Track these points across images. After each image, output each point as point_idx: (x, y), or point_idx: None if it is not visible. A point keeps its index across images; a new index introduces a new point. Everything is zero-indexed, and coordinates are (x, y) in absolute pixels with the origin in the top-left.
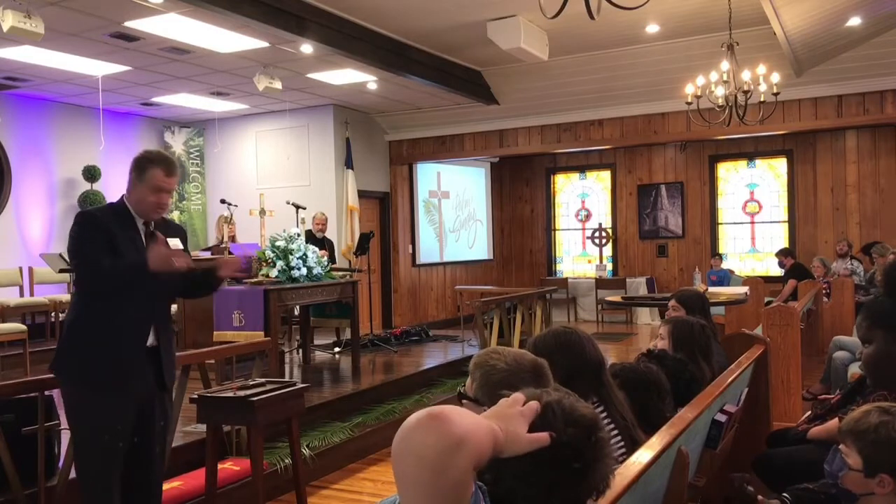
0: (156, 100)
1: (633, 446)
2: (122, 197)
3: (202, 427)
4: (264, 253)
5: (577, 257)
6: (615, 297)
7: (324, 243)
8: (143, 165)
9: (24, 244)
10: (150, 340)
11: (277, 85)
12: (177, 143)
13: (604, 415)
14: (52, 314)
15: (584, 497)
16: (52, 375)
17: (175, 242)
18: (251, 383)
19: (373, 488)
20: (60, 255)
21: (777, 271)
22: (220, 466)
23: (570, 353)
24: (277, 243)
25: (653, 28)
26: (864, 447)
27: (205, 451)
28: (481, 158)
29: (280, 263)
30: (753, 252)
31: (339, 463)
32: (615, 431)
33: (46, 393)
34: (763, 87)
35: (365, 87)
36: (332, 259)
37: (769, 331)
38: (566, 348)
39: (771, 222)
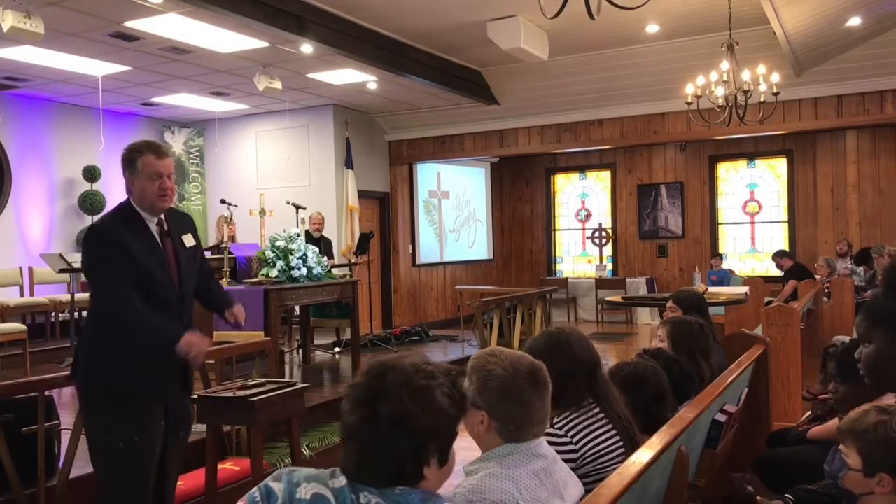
0: (156, 100)
1: (631, 445)
2: (128, 199)
3: (202, 427)
4: (264, 253)
5: (577, 257)
6: (615, 298)
7: (320, 243)
8: (132, 158)
9: (24, 244)
10: None
11: (277, 85)
12: (177, 143)
13: (601, 416)
14: (52, 314)
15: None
16: (52, 375)
17: (188, 239)
18: (251, 383)
19: None
20: (60, 255)
21: (777, 271)
22: (220, 466)
23: (561, 355)
24: (277, 243)
25: (653, 28)
26: (864, 447)
27: (205, 451)
28: (481, 158)
29: (280, 263)
30: (753, 252)
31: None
32: (613, 431)
33: (46, 393)
34: (763, 87)
35: (365, 87)
36: (329, 257)
37: (769, 331)
38: (557, 350)
39: (771, 222)
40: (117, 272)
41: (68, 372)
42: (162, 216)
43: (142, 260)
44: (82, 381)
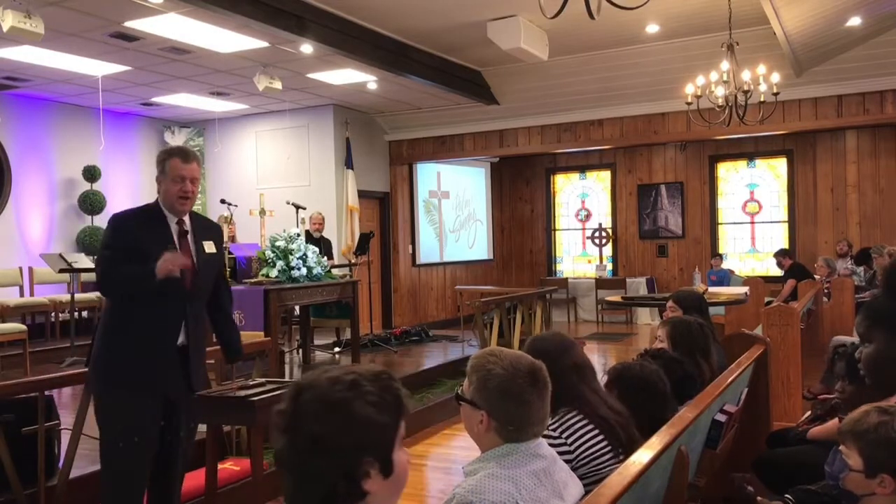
0: (156, 100)
1: (620, 445)
2: (157, 198)
3: (202, 427)
4: (264, 253)
5: (577, 257)
6: (615, 297)
7: (320, 243)
8: (162, 160)
9: (24, 244)
10: (181, 339)
11: (277, 85)
12: (177, 143)
13: (585, 421)
14: (52, 314)
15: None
16: (52, 375)
17: (209, 245)
18: (251, 383)
19: None
20: (60, 255)
21: (777, 271)
22: (220, 466)
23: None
24: (277, 243)
25: (653, 28)
26: (865, 447)
27: (205, 451)
28: (481, 158)
29: (280, 263)
30: (753, 252)
31: None
32: (597, 433)
33: (46, 393)
34: (763, 87)
35: (365, 87)
36: (328, 257)
37: (769, 331)
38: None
39: (771, 222)
40: (112, 258)
41: (68, 372)
42: (186, 219)
43: (152, 253)
44: (90, 375)
